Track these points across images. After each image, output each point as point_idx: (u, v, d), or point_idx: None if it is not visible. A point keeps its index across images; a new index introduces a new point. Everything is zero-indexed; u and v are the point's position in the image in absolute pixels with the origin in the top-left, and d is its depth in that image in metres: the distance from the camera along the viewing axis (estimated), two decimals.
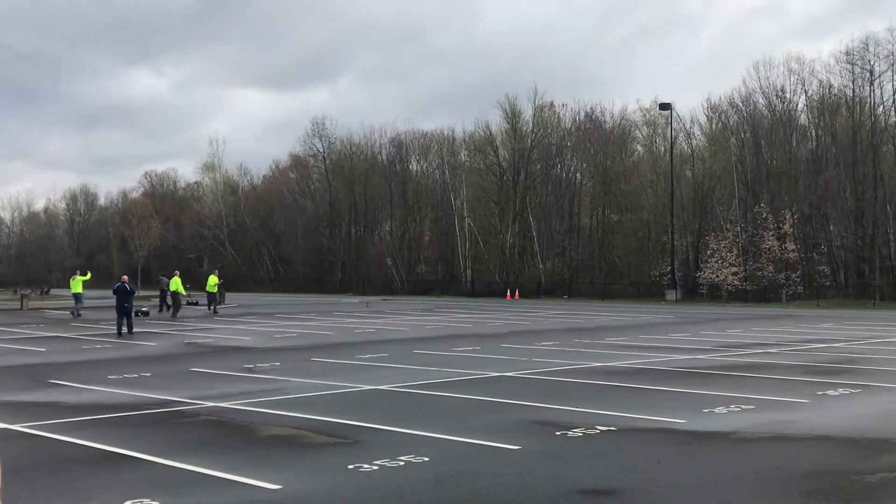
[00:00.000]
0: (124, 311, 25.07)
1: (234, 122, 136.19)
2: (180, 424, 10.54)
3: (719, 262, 52.33)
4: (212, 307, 36.98)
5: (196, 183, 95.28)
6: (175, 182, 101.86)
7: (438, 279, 68.56)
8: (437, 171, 75.53)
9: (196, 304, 43.02)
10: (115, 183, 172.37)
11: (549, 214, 64.07)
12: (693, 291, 53.68)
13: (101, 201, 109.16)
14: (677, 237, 55.88)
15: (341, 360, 17.83)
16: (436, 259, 72.10)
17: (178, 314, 33.35)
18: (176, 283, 34.80)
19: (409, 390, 13.19)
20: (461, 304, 48.33)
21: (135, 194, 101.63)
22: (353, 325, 29.57)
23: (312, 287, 73.19)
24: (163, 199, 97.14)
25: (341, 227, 78.34)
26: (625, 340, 22.74)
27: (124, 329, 24.87)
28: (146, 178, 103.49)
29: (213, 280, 37.82)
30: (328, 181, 78.03)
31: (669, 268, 54.14)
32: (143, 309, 32.69)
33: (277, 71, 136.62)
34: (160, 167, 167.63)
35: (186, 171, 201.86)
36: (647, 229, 58.42)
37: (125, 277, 26.74)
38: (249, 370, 16.09)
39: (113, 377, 15.08)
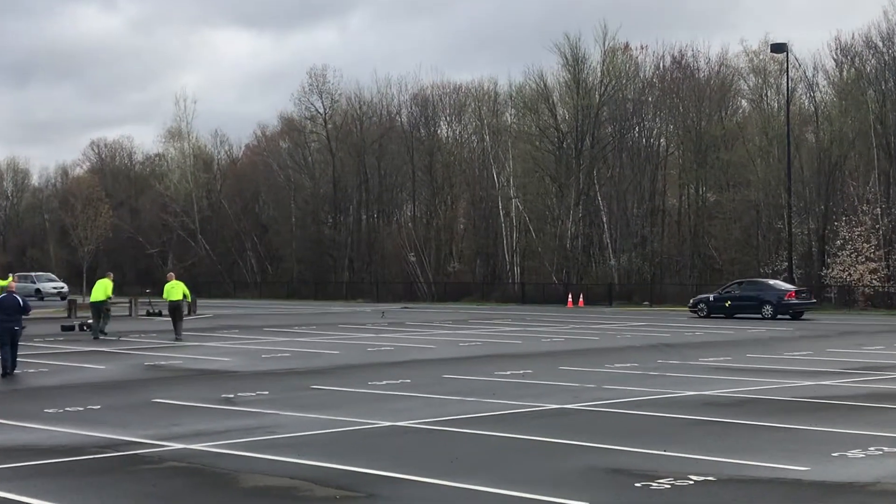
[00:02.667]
0: (11, 337, 20.58)
1: (209, 75, 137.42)
2: (139, 473, 10.62)
3: (853, 255, 51.82)
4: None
5: (158, 156, 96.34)
6: (131, 154, 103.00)
7: (477, 280, 68.69)
8: (474, 138, 75.53)
9: (159, 314, 43.41)
10: (52, 156, 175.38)
11: (623, 194, 63.84)
12: (818, 295, 53.23)
13: (35, 180, 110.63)
14: (796, 223, 55.43)
15: (349, 387, 17.88)
16: (473, 254, 72.19)
17: (106, 328, 31.82)
18: (100, 289, 31.89)
19: (438, 427, 13.21)
20: (507, 312, 48.30)
21: (78, 171, 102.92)
22: (364, 341, 29.62)
23: (311, 291, 73.69)
24: (115, 176, 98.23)
25: (348, 212, 78.72)
26: (725, 361, 22.58)
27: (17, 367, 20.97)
28: (93, 150, 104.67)
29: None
30: (331, 152, 78.42)
31: (786, 264, 53.73)
32: (90, 322, 32.96)
33: (265, 5, 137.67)
34: (111, 135, 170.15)
35: (146, 140, 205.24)
36: (756, 212, 58.03)
37: (12, 284, 22.51)
38: (229, 401, 16.19)
39: (51, 411, 15.25)
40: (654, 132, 66.24)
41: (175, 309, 31.07)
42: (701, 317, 42.99)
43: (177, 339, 29.70)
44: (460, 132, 76.58)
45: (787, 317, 41.50)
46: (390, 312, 47.68)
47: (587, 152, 64.96)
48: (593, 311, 50.33)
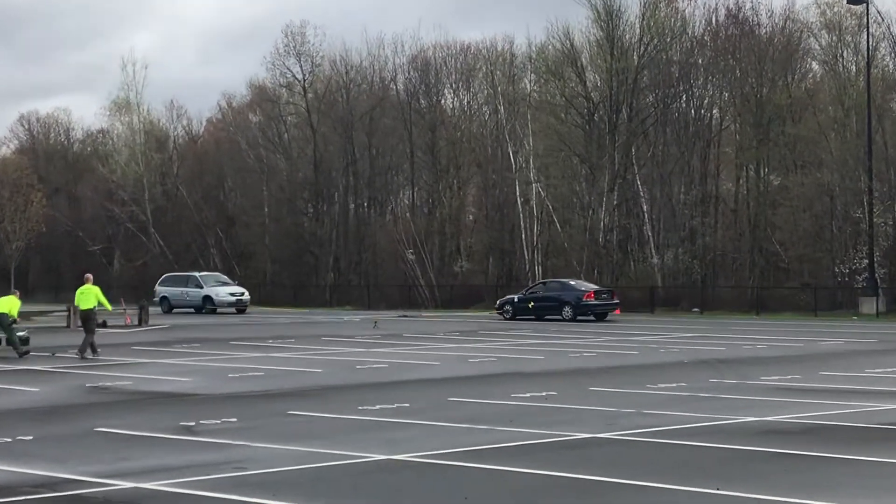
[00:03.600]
0: None
1: (163, 34, 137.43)
2: None
3: None
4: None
5: (102, 132, 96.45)
6: (68, 131, 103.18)
7: (489, 283, 68.63)
8: (485, 110, 75.51)
9: (103, 324, 43.45)
10: None
11: (668, 177, 63.79)
12: None
13: None
14: (878, 212, 55.40)
15: (335, 413, 17.86)
16: (485, 251, 72.20)
17: (24, 349, 31.27)
18: (4, 305, 30.99)
19: (443, 462, 13.18)
20: (526, 322, 48.24)
21: (4, 151, 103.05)
22: (353, 357, 29.57)
23: (288, 297, 73.58)
24: (49, 158, 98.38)
25: (333, 200, 78.80)
26: (793, 380, 22.53)
27: None
28: (22, 126, 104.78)
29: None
30: (311, 127, 78.48)
31: (866, 261, 53.63)
32: (21, 334, 32.85)
33: None
34: (45, 107, 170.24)
35: (86, 114, 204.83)
36: (830, 199, 57.97)
37: None
38: (189, 430, 16.17)
39: None
40: (706, 101, 66.20)
41: (86, 319, 30.43)
42: (506, 318, 48.80)
43: (81, 356, 29.11)
44: (469, 103, 76.61)
45: (590, 318, 47.32)
46: (384, 322, 47.61)
47: (623, 126, 64.90)
48: (631, 319, 50.23)
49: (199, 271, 65.23)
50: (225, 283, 61.58)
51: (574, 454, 13.69)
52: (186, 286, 60.42)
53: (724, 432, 15.30)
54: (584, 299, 47.81)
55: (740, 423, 16.29)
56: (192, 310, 59.02)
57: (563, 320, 46.93)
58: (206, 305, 58.66)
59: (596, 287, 50.82)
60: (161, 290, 61.54)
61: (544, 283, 52.03)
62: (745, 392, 20.43)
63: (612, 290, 51.69)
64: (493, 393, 20.42)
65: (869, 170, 53.87)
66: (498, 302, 51.11)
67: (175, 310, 59.54)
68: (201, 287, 59.59)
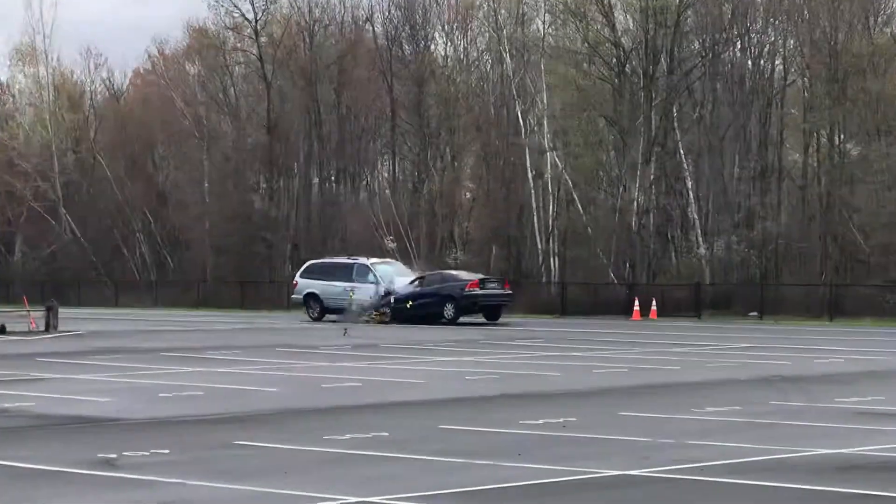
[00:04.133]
0: None
1: None
2: None
3: None
4: None
5: (0, 87, 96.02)
6: None
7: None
8: (487, 59, 75.35)
9: (2, 329, 43.41)
10: None
11: (719, 145, 63.70)
12: None
13: None
14: None
15: (294, 443, 17.82)
16: (486, 238, 72.09)
17: None
18: None
19: None
20: (539, 328, 48.20)
21: None
22: (317, 373, 29.53)
23: (234, 296, 73.40)
24: None
25: (292, 173, 78.63)
26: (875, 402, 22.55)
27: None
28: None
29: None
30: (265, 80, 78.29)
31: None
32: None
33: None
34: None
35: None
36: None
37: None
38: (110, 464, 16.11)
39: None
40: (766, 50, 66.20)
41: None
42: (386, 322, 50.48)
43: None
44: (465, 50, 76.48)
45: (478, 317, 49.32)
46: (357, 328, 47.57)
47: (662, 81, 64.83)
48: (672, 325, 50.27)
49: (366, 256, 58.19)
50: (402, 274, 55.68)
51: (599, 496, 13.66)
52: (352, 279, 54.88)
53: (788, 468, 15.29)
54: (466, 289, 49.92)
55: (809, 456, 16.28)
56: None
57: (447, 322, 49.16)
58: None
59: (480, 275, 52.88)
60: (306, 283, 56.55)
61: (421, 278, 53.31)
62: (816, 418, 20.42)
63: (505, 278, 54.15)
64: (496, 419, 20.41)
65: None
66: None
67: (329, 315, 54.60)
68: (376, 281, 54.15)
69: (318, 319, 54.39)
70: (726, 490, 13.97)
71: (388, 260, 59.22)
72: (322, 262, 58.48)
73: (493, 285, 51.17)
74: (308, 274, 56.94)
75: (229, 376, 28.69)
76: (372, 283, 53.65)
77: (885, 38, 62.93)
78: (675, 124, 64.68)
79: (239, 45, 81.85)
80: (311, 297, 55.61)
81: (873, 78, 61.30)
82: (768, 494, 13.68)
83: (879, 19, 64.41)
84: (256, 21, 79.29)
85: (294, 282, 57.61)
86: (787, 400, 23.08)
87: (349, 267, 55.69)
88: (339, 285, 54.20)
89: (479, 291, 49.85)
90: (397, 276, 54.21)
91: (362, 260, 56.28)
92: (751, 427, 19.24)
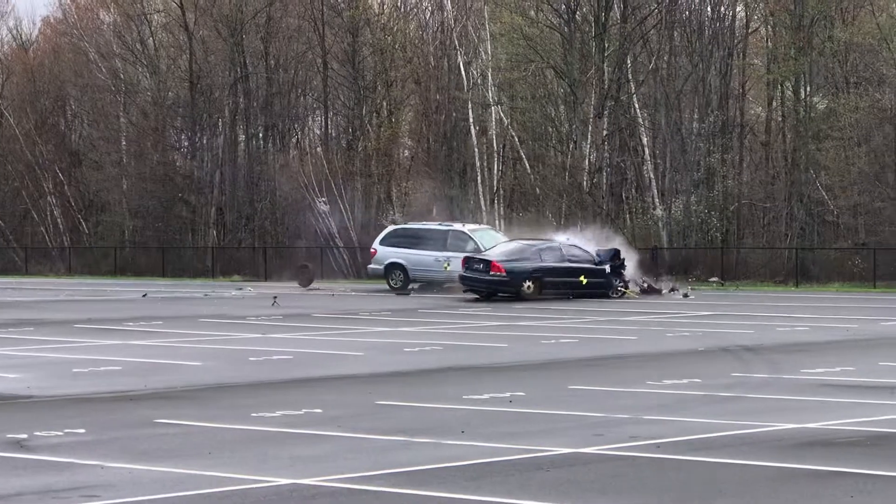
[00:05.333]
0: None
1: None
2: None
3: None
4: None
5: None
6: None
7: None
8: (426, 5, 75.13)
9: None
10: None
11: (676, 98, 63.84)
12: None
13: None
14: None
15: (221, 421, 17.84)
16: (426, 199, 71.88)
17: None
18: None
19: (372, 487, 13.13)
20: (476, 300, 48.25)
21: None
22: (245, 346, 29.54)
23: (154, 263, 73.23)
24: None
25: (216, 129, 78.25)
26: (844, 374, 22.72)
27: None
28: None
29: None
30: (186, 29, 77.76)
31: None
32: None
33: None
34: None
35: None
36: (894, 128, 58.16)
37: None
38: (21, 445, 16.06)
39: None
40: None
41: None
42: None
43: None
44: None
45: None
46: (287, 297, 47.52)
47: (616, 29, 64.85)
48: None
49: (462, 223, 56.64)
50: (499, 241, 52.34)
51: (548, 477, 13.65)
52: (445, 247, 52.45)
53: (751, 444, 15.39)
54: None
55: (773, 431, 16.39)
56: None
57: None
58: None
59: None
60: (387, 252, 54.19)
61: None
62: (780, 390, 20.56)
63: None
64: (438, 394, 20.45)
65: None
66: None
67: (414, 284, 53.27)
68: (478, 248, 50.83)
69: (403, 290, 52.18)
70: (686, 468, 14.03)
71: (482, 226, 57.23)
72: (406, 228, 56.33)
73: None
74: (390, 241, 54.41)
75: (150, 349, 28.61)
76: (472, 250, 50.42)
77: None
78: (630, 76, 64.70)
79: None
80: (395, 268, 53.30)
81: (841, 26, 61.45)
82: (732, 473, 13.74)
83: None
84: None
85: (373, 249, 54.96)
86: (749, 371, 23.21)
87: (440, 233, 53.46)
88: (431, 254, 52.28)
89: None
90: (500, 244, 50.86)
91: (457, 226, 54.32)
92: (711, 401, 19.34)
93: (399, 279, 52.98)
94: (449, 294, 49.19)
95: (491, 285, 46.90)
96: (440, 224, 55.41)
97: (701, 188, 62.87)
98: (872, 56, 60.29)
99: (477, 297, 46.58)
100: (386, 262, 53.37)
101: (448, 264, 50.81)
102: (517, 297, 45.62)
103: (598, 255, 47.45)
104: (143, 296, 47.12)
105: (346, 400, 20.04)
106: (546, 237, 50.93)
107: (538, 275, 46.29)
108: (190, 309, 42.79)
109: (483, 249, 49.64)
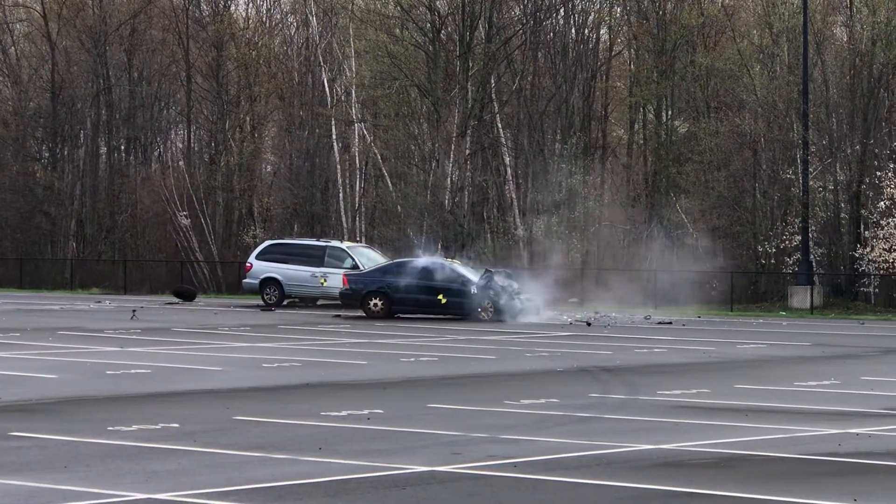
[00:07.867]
0: None
1: None
2: None
3: None
4: None
5: None
6: None
7: None
8: (291, 21, 74.95)
9: None
10: None
11: (539, 119, 64.09)
12: (846, 290, 54.36)
13: None
14: (815, 172, 56.32)
15: (75, 435, 17.66)
16: (287, 215, 71.70)
17: None
18: None
19: (228, 503, 13.20)
20: (344, 312, 48.12)
21: None
22: (102, 359, 29.23)
23: (11, 274, 72.12)
24: None
25: (77, 141, 77.42)
26: (700, 395, 23.00)
27: None
28: None
29: None
30: (49, 39, 76.93)
31: (799, 238, 54.40)
32: None
33: None
34: None
35: None
36: (753, 153, 58.82)
37: None
38: None
39: None
40: (591, 18, 66.64)
41: None
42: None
43: None
44: (269, 11, 76.02)
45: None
46: (146, 311, 47.13)
47: (480, 49, 65.01)
48: None
49: (336, 238, 57.81)
50: (377, 260, 52.38)
51: (405, 495, 13.70)
52: (322, 263, 52.27)
53: (607, 464, 15.52)
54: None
55: (629, 452, 16.52)
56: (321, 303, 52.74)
57: None
58: None
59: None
60: (263, 266, 53.43)
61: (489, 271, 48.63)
62: (637, 411, 20.72)
63: None
64: (296, 410, 20.38)
65: (804, 115, 54.57)
66: None
67: (288, 300, 52.96)
68: (356, 265, 50.95)
69: (277, 306, 51.60)
70: (541, 488, 14.10)
71: (362, 243, 57.82)
72: (281, 243, 55.91)
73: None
74: (266, 255, 53.91)
75: (5, 361, 28.18)
76: (349, 268, 50.35)
77: (716, 9, 63.60)
78: (493, 96, 64.81)
79: (21, 0, 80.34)
80: (269, 283, 52.72)
81: (703, 51, 62.05)
82: (587, 492, 13.85)
83: None
84: None
85: (248, 264, 54.31)
86: (607, 392, 23.37)
87: (317, 249, 53.12)
88: (308, 270, 52.09)
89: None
90: (378, 262, 50.94)
91: (335, 242, 54.31)
92: (569, 421, 19.46)
93: (274, 295, 52.37)
94: (324, 311, 49.06)
95: (341, 298, 47.72)
96: (318, 240, 55.14)
97: (562, 209, 63.11)
98: (733, 81, 60.74)
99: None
100: (261, 277, 52.71)
101: (325, 280, 50.79)
102: (367, 314, 45.60)
103: (483, 278, 46.44)
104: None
105: (204, 415, 19.94)
106: (435, 258, 50.00)
107: (384, 290, 46.00)
108: (47, 321, 42.29)
109: (362, 267, 49.51)
